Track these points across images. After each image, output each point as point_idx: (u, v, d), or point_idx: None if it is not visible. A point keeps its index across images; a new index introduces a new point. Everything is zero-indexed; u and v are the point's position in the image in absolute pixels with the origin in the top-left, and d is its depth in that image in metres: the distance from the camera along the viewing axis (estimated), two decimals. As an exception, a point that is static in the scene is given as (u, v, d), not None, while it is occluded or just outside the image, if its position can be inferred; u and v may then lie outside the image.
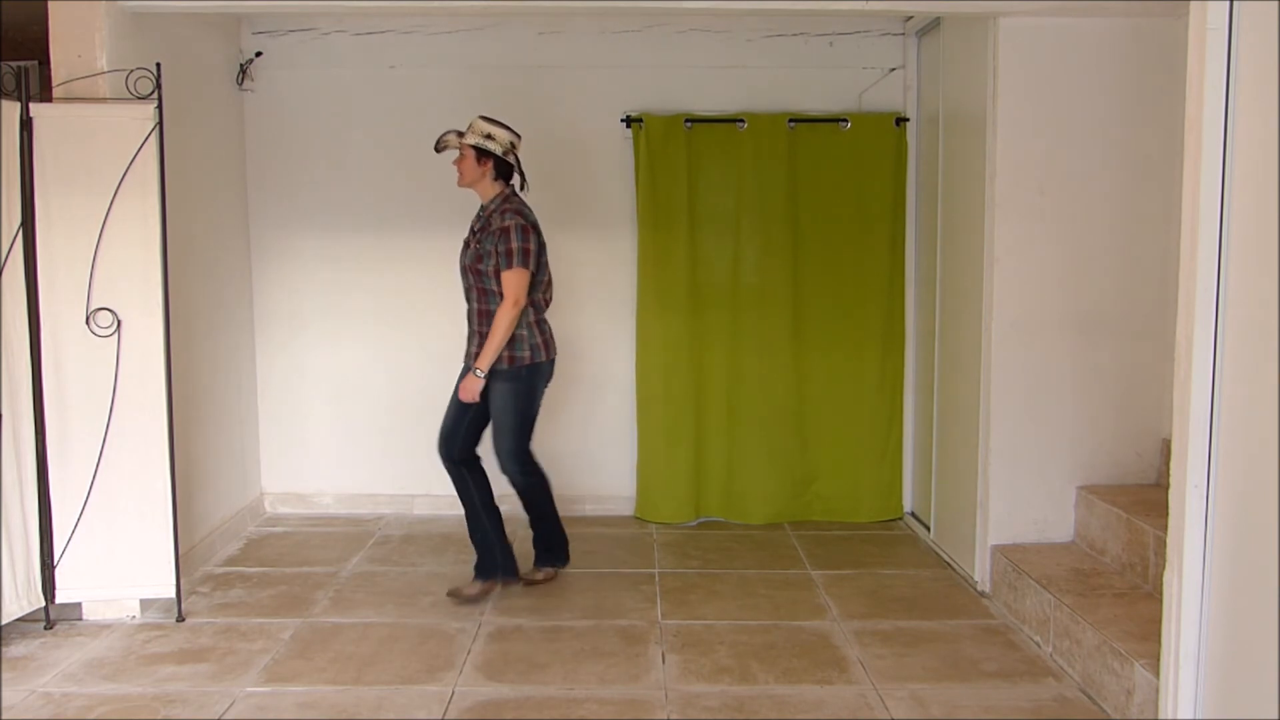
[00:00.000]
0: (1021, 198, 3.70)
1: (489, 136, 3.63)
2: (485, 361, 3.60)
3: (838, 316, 4.74)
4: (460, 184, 3.71)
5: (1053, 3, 3.57)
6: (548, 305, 3.82)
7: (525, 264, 3.57)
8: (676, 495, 4.78)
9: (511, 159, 3.69)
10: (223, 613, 3.67)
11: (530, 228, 3.62)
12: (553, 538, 3.98)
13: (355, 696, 3.01)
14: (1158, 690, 2.54)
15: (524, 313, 3.64)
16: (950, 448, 4.28)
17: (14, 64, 3.50)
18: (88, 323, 3.44)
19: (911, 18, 4.60)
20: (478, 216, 3.74)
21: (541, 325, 3.75)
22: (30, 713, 2.91)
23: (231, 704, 2.96)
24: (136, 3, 3.61)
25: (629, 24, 4.75)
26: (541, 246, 3.69)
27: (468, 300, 3.75)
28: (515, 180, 3.77)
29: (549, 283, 3.81)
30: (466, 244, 3.74)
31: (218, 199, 4.51)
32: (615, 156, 4.79)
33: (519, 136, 3.73)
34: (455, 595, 3.78)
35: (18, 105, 3.36)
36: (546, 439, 4.83)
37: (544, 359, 3.73)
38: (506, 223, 3.58)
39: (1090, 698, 2.99)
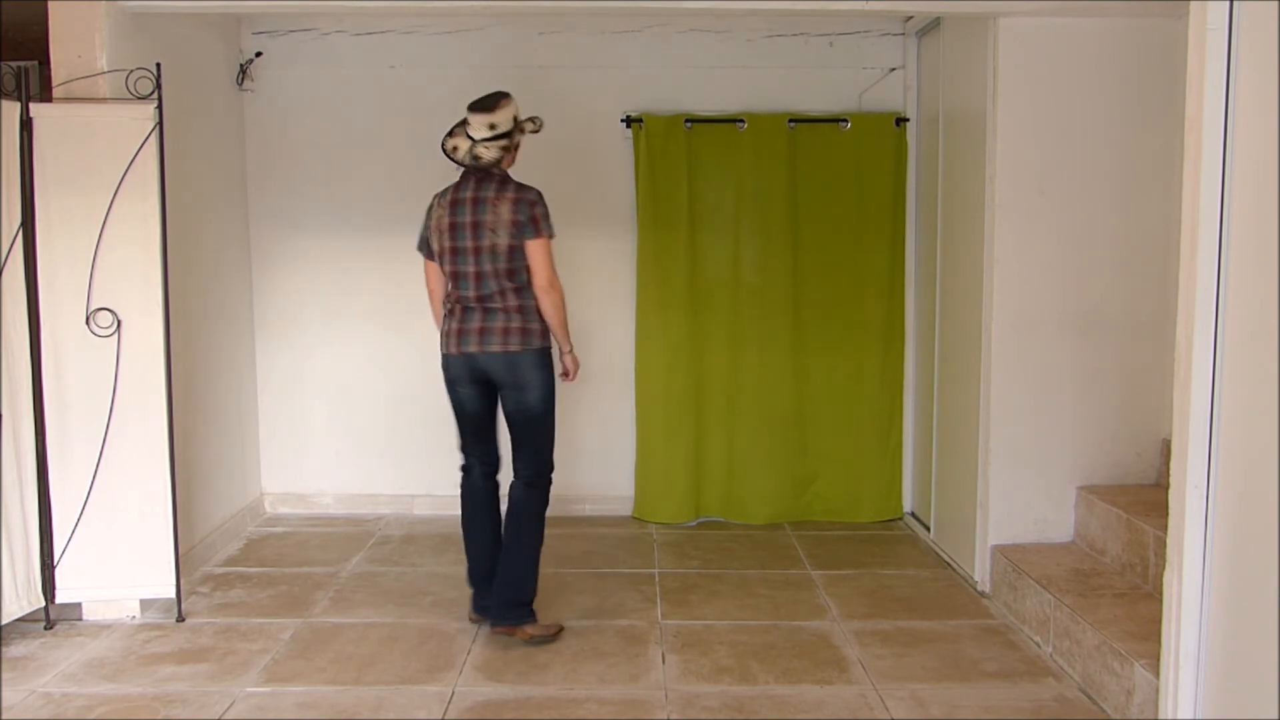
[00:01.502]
0: (1021, 198, 3.70)
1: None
2: None
3: (837, 316, 4.75)
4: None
5: (1053, 3, 3.57)
6: (451, 294, 3.43)
7: (419, 246, 3.51)
8: (676, 495, 4.78)
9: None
10: (223, 613, 3.67)
11: (431, 206, 3.45)
12: (478, 572, 3.51)
13: (355, 696, 3.01)
14: (1158, 690, 2.54)
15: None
16: (950, 447, 4.28)
17: (14, 64, 3.50)
18: (88, 323, 3.44)
19: (911, 18, 4.60)
20: None
21: (448, 315, 3.41)
22: (30, 713, 2.91)
23: (231, 704, 2.96)
24: (136, 3, 3.61)
25: (629, 24, 4.76)
26: (427, 226, 3.45)
27: None
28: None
29: (451, 271, 3.39)
30: None
31: (218, 199, 4.51)
32: (615, 156, 4.79)
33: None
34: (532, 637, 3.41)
35: (18, 105, 3.36)
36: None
37: (443, 352, 3.41)
38: None
39: (1090, 698, 2.99)
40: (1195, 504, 2.35)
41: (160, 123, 3.44)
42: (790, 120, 4.66)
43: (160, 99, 3.45)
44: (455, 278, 3.37)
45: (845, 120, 4.68)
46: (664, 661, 3.25)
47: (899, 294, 4.77)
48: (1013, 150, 3.70)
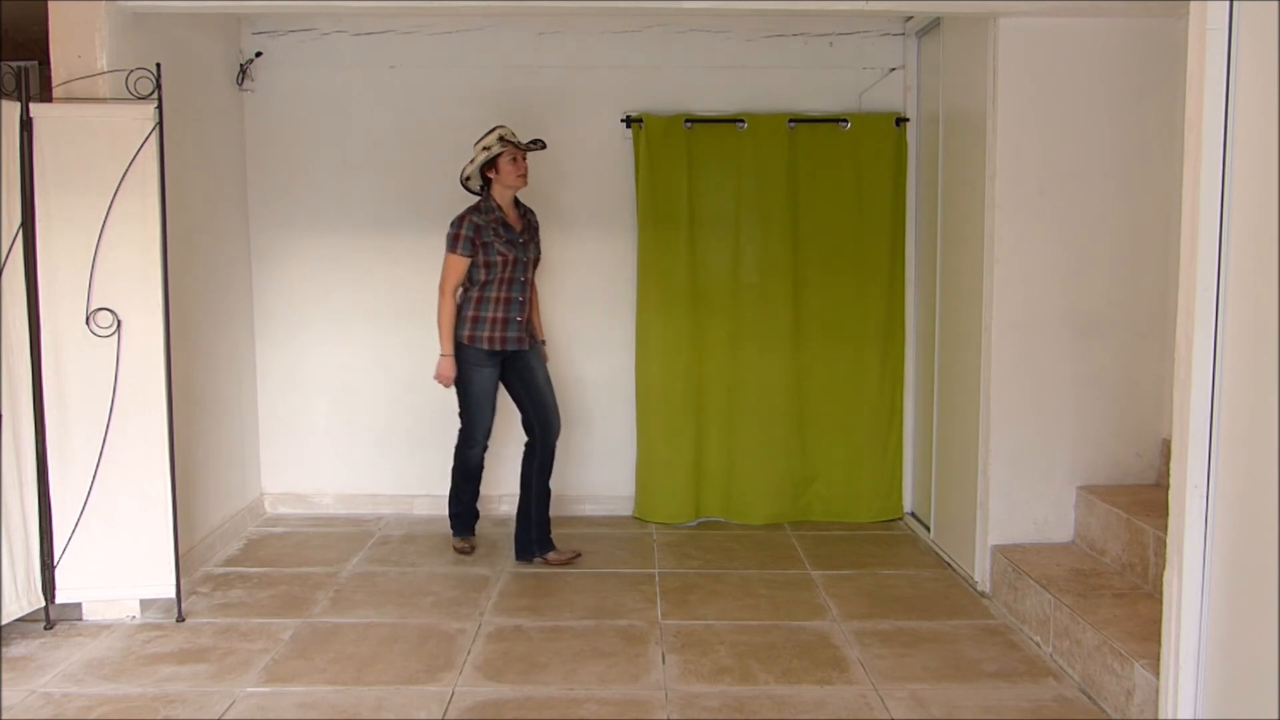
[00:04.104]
0: (1021, 198, 3.70)
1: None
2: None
3: (837, 317, 4.74)
4: (525, 185, 4.10)
5: (1053, 3, 3.57)
6: None
7: None
8: (676, 495, 4.78)
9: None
10: (223, 613, 3.67)
11: None
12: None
13: (355, 696, 3.01)
14: (1158, 690, 2.54)
15: None
16: (950, 448, 4.27)
17: (14, 64, 3.50)
18: (88, 323, 3.44)
19: (911, 18, 4.60)
20: (522, 218, 4.15)
21: None
22: (30, 713, 2.91)
23: (231, 704, 2.96)
24: (136, 3, 3.61)
25: (629, 24, 4.76)
26: None
27: (520, 289, 4.09)
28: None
29: None
30: (518, 243, 4.06)
31: (218, 199, 4.51)
32: (615, 156, 4.78)
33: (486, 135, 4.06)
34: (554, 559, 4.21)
35: (18, 105, 3.35)
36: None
37: None
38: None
39: (1090, 698, 2.99)
40: (1195, 504, 2.35)
41: (160, 123, 3.44)
42: (790, 120, 4.66)
43: (160, 99, 3.45)
44: None
45: (845, 120, 4.67)
46: (664, 661, 3.25)
47: (899, 294, 4.77)
48: (1013, 150, 3.69)
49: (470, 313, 4.04)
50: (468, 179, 4.10)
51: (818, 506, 4.86)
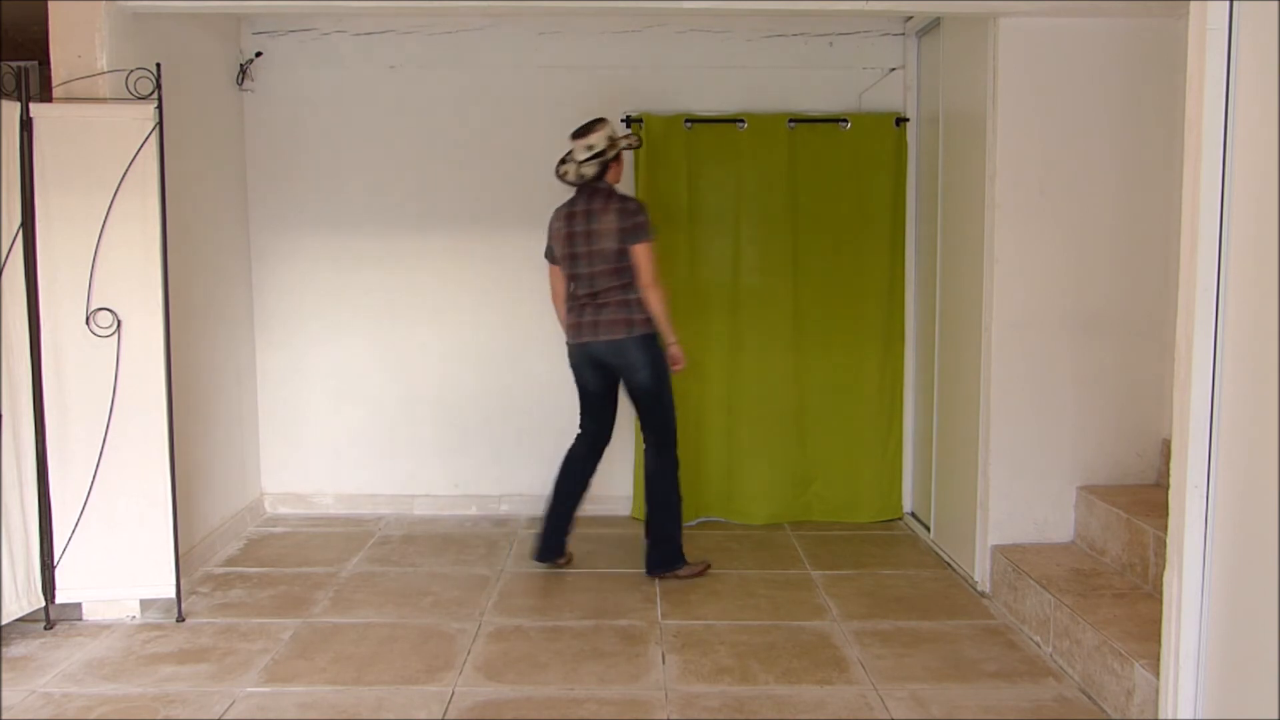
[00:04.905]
0: (1021, 198, 3.70)
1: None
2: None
3: (838, 317, 4.75)
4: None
5: (1053, 3, 3.57)
6: (572, 293, 3.97)
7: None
8: (676, 495, 4.78)
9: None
10: (223, 613, 3.67)
11: (551, 219, 4.00)
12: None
13: (355, 696, 3.01)
14: (1158, 690, 2.54)
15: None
16: (950, 448, 4.27)
17: (14, 64, 3.50)
18: (88, 323, 3.44)
19: (911, 18, 4.60)
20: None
21: (570, 311, 3.99)
22: (30, 713, 2.90)
23: (231, 704, 2.96)
24: (136, 3, 3.61)
25: (629, 24, 4.76)
26: (550, 236, 4.00)
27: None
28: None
29: (571, 274, 3.93)
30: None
31: (218, 199, 4.51)
32: (615, 156, 4.78)
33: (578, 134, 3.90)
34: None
35: (18, 105, 3.36)
36: (545, 440, 4.84)
37: (567, 342, 4.01)
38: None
39: (1090, 698, 2.99)
40: (1195, 504, 2.35)
41: (160, 123, 3.44)
42: (790, 120, 4.66)
43: (160, 99, 3.45)
44: (574, 279, 3.91)
45: (845, 120, 4.68)
46: (664, 661, 3.25)
47: (899, 294, 4.77)
48: (1013, 150, 3.70)
49: (641, 306, 3.86)
50: (600, 175, 3.86)
51: (818, 506, 4.86)
